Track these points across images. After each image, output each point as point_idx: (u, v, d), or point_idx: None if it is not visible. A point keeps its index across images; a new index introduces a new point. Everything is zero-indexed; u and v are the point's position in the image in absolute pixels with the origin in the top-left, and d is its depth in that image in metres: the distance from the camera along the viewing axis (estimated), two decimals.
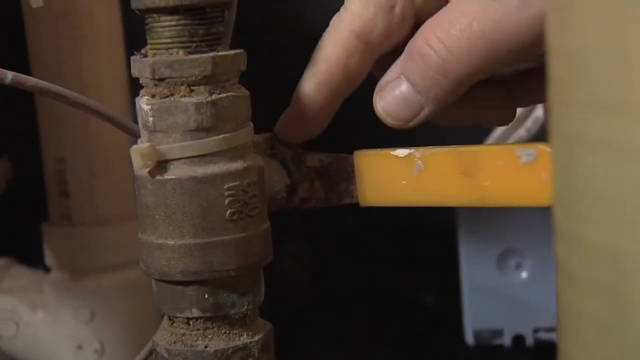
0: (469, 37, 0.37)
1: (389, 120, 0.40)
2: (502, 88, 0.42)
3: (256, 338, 0.39)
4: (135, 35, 0.43)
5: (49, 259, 0.67)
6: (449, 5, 0.39)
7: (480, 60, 0.37)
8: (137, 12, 0.38)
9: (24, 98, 0.57)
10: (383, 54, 0.41)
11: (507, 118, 0.43)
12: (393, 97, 0.39)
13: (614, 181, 0.25)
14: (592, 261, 0.26)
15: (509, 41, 0.37)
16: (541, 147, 0.36)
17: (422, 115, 0.39)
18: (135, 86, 0.40)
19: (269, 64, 0.65)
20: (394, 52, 0.41)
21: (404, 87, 0.39)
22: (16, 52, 0.63)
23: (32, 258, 0.68)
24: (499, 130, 0.68)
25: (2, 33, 0.71)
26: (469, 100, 0.40)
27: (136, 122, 0.39)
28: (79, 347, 0.64)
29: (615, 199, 0.25)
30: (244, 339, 0.39)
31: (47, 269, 0.67)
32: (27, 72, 0.51)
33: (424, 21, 0.39)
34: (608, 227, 0.25)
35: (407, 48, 0.39)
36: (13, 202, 0.72)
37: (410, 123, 0.40)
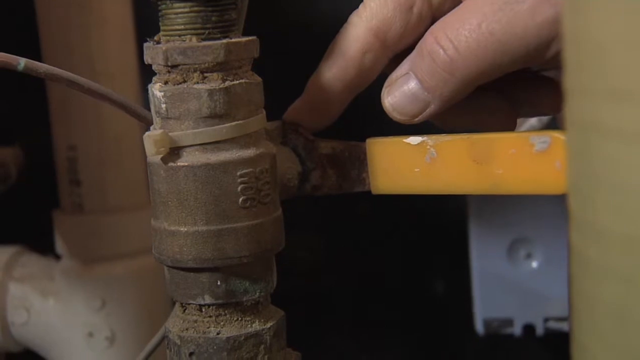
0: (478, 38, 0.37)
1: (395, 115, 0.40)
2: (503, 98, 0.42)
3: (268, 325, 0.39)
4: (145, 21, 0.42)
5: (59, 247, 0.67)
6: (460, 5, 0.39)
7: (487, 62, 0.38)
8: None
9: (36, 86, 0.57)
10: (397, 52, 0.41)
11: (507, 127, 0.43)
12: (401, 92, 0.40)
13: (631, 169, 0.25)
14: (609, 249, 0.26)
15: (517, 44, 0.37)
16: (555, 134, 0.36)
17: (428, 112, 0.40)
18: (145, 73, 0.40)
19: (280, 51, 0.65)
20: (408, 51, 0.41)
21: (412, 84, 0.40)
22: (27, 38, 0.63)
23: (43, 246, 0.68)
24: None
25: (14, 20, 0.71)
26: (469, 106, 0.41)
27: (147, 108, 0.39)
28: (90, 334, 0.64)
29: (633, 187, 0.25)
30: (256, 326, 0.39)
31: (58, 257, 0.68)
32: (38, 58, 0.51)
33: None
34: (625, 215, 0.25)
35: (417, 46, 0.40)
36: (24, 190, 0.72)
37: (416, 119, 0.40)
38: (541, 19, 0.36)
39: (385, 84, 0.41)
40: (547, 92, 0.42)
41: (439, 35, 0.38)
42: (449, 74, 0.38)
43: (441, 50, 0.38)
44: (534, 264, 0.70)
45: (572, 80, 0.28)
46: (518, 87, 0.42)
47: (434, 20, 0.41)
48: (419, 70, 0.39)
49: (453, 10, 0.39)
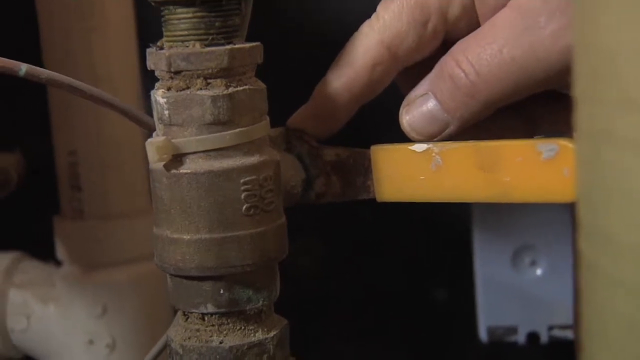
0: (499, 63, 0.37)
1: (413, 135, 0.40)
2: (521, 116, 0.42)
3: (272, 334, 0.39)
4: (147, 26, 0.42)
5: (60, 253, 0.66)
6: (482, 27, 0.39)
7: (509, 86, 0.38)
8: (153, 3, 0.37)
9: (36, 91, 0.57)
10: (407, 65, 0.41)
11: None
12: (419, 112, 0.40)
13: None
14: (620, 259, 0.26)
15: (539, 69, 0.37)
16: (563, 142, 0.36)
17: (447, 132, 0.40)
18: (147, 77, 0.39)
19: (283, 56, 0.65)
20: (418, 65, 0.41)
21: (431, 104, 0.39)
22: (28, 42, 0.63)
23: (43, 252, 0.68)
24: None
25: (15, 25, 0.71)
26: (486, 126, 0.40)
27: (148, 113, 0.39)
28: (91, 341, 0.64)
29: None
30: (260, 335, 0.39)
31: (58, 263, 0.67)
32: (40, 64, 0.51)
33: (453, 39, 0.40)
34: (636, 223, 0.25)
35: (437, 66, 0.40)
36: (25, 196, 0.71)
37: (434, 139, 0.40)
38: (562, 44, 0.36)
39: (404, 103, 0.41)
40: (565, 110, 0.42)
41: (460, 59, 0.38)
42: (470, 97, 0.38)
43: (462, 74, 0.38)
44: (539, 272, 0.70)
45: (583, 88, 0.27)
46: (536, 105, 0.42)
47: (447, 36, 0.40)
48: (439, 92, 0.39)
49: (474, 33, 0.39)
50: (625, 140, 0.25)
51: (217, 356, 0.38)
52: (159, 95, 0.37)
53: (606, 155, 0.26)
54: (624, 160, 0.25)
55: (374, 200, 0.42)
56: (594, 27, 0.26)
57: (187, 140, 0.37)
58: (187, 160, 0.37)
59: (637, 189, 0.25)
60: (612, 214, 0.26)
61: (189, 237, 0.37)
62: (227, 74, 0.37)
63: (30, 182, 0.71)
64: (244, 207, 0.37)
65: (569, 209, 0.32)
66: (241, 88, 0.37)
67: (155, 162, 0.37)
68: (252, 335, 0.39)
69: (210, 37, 0.37)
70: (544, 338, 0.70)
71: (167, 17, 0.37)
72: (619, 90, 0.25)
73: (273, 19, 0.70)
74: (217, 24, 0.37)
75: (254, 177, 0.37)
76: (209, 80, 0.37)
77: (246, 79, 0.38)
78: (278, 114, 0.41)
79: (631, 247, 0.25)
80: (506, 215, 0.69)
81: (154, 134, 0.38)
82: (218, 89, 0.37)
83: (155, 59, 0.37)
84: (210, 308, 0.38)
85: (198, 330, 0.39)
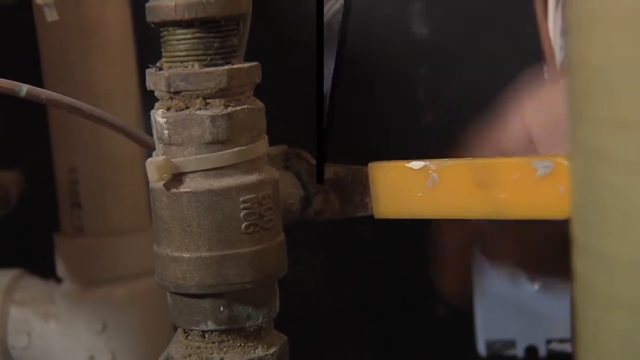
0: None
1: None
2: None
3: (271, 351, 0.39)
4: (146, 44, 0.43)
5: (60, 270, 0.67)
6: None
7: None
8: (152, 25, 0.38)
9: (36, 109, 0.57)
10: None
11: None
12: None
13: (635, 196, 0.25)
14: (614, 276, 0.26)
15: None
16: (558, 160, 0.36)
17: None
18: (146, 95, 0.40)
19: (279, 75, 0.65)
20: None
21: None
22: (28, 63, 0.63)
23: (44, 269, 0.68)
24: None
25: (15, 45, 0.72)
26: None
27: (148, 131, 0.39)
28: (91, 357, 0.64)
29: (637, 214, 0.25)
30: (259, 352, 0.39)
31: (58, 280, 0.67)
32: (39, 83, 0.51)
33: None
34: (630, 242, 0.25)
35: None
36: (25, 213, 0.72)
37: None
38: None
39: None
40: None
41: None
42: None
43: None
44: (537, 285, 0.70)
45: (577, 106, 0.28)
46: None
47: None
48: None
49: None
50: (618, 158, 0.25)
51: None
52: (158, 115, 0.38)
53: (599, 174, 0.26)
54: (617, 178, 0.25)
55: (372, 217, 0.42)
56: (587, 46, 0.26)
57: (187, 159, 0.37)
58: (187, 179, 0.37)
59: (630, 206, 0.25)
60: (606, 231, 0.26)
61: (189, 255, 0.37)
62: (225, 93, 0.37)
63: (30, 200, 0.72)
64: (243, 225, 0.37)
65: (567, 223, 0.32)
66: (240, 107, 0.37)
67: (156, 181, 0.37)
68: (252, 352, 0.39)
69: (209, 58, 0.37)
70: (542, 352, 0.70)
71: (166, 37, 0.38)
72: (611, 109, 0.25)
73: (272, 36, 0.70)
74: (215, 44, 0.37)
75: (253, 195, 0.37)
76: (208, 100, 0.37)
77: (245, 98, 0.38)
78: (276, 132, 0.42)
79: (625, 264, 0.26)
80: None
81: (153, 153, 0.39)
82: (217, 108, 0.37)
83: (155, 79, 0.38)
84: (211, 325, 0.38)
85: (199, 347, 0.39)
